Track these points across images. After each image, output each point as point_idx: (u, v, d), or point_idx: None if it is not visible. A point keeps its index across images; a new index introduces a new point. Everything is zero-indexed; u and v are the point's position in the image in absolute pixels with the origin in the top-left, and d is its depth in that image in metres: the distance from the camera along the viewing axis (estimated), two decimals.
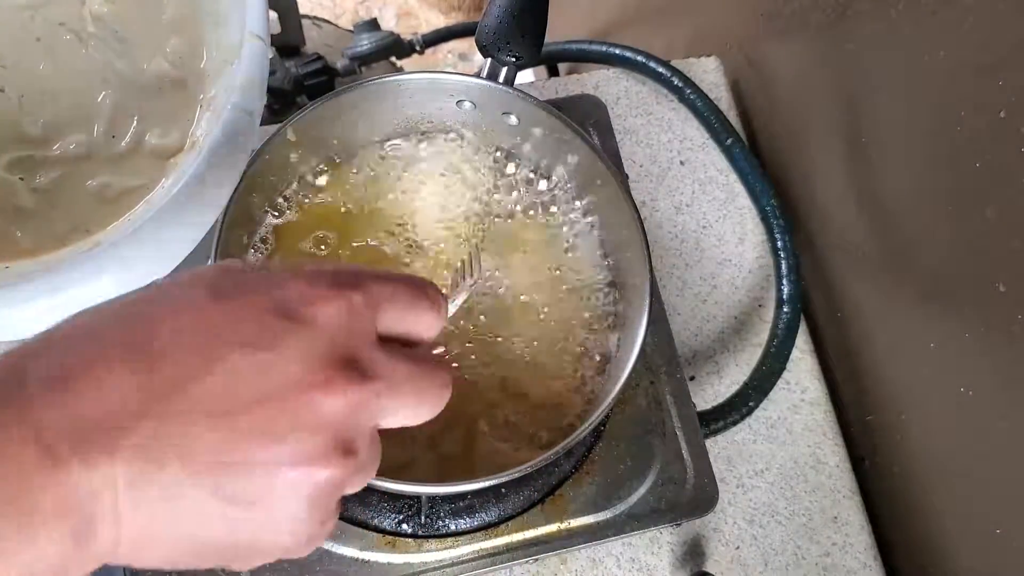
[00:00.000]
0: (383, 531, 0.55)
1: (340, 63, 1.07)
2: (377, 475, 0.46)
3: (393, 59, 1.14)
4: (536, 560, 0.58)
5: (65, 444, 0.24)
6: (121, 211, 0.47)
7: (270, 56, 0.47)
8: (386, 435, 0.32)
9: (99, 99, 0.50)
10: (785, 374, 0.65)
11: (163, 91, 0.50)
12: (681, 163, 0.72)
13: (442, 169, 0.61)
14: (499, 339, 0.57)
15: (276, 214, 0.58)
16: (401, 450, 0.53)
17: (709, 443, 0.61)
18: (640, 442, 0.58)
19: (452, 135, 0.61)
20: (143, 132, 0.49)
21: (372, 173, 0.60)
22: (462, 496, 0.56)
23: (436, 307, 0.33)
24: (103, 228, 0.46)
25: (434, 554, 0.55)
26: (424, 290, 0.33)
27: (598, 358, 0.57)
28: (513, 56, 0.55)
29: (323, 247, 0.58)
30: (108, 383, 0.25)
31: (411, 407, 0.31)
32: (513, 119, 0.58)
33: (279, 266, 0.32)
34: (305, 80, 1.02)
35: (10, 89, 0.49)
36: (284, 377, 0.27)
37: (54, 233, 0.47)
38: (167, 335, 0.26)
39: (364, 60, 1.07)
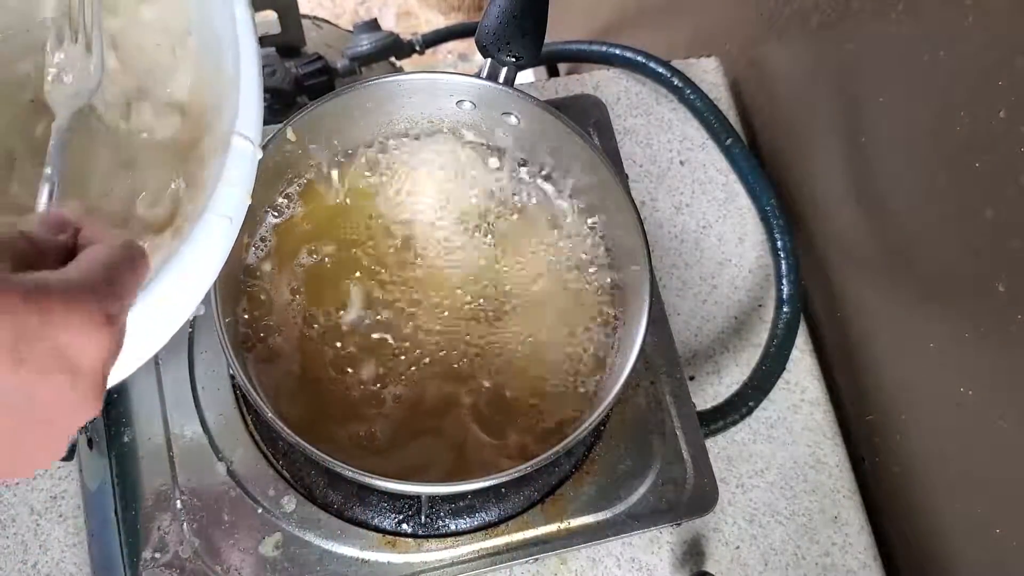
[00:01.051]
0: (383, 531, 0.55)
1: (340, 63, 1.07)
2: (378, 475, 0.47)
3: (393, 59, 1.14)
4: (536, 560, 0.58)
5: None
6: None
7: (260, 156, 0.45)
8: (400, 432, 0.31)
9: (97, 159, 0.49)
10: (785, 374, 0.65)
11: (163, 160, 0.49)
12: (681, 163, 0.72)
13: (442, 169, 0.61)
14: (499, 338, 0.57)
15: (276, 214, 0.58)
16: (417, 452, 0.53)
17: (709, 443, 0.61)
18: (640, 442, 0.58)
19: (452, 135, 0.61)
20: (134, 196, 0.48)
21: (372, 173, 0.60)
22: (462, 496, 0.56)
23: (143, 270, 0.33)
24: None
25: (434, 554, 0.55)
26: (144, 264, 0.33)
27: (598, 358, 0.57)
28: (513, 56, 0.55)
29: (323, 247, 0.58)
30: None
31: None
32: (513, 119, 0.58)
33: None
34: (305, 80, 1.02)
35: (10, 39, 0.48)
36: (44, 424, 0.28)
37: None
38: None
39: (364, 60, 1.07)
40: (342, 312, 0.56)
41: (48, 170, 0.41)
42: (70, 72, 0.44)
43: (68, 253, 0.32)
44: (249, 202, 0.44)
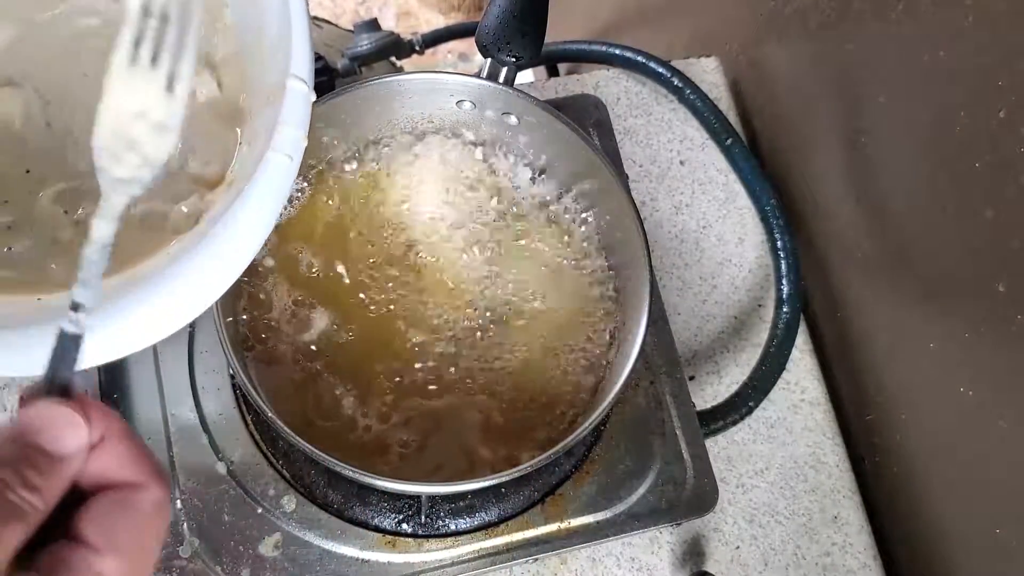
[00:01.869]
0: (383, 531, 0.55)
1: (340, 63, 1.07)
2: (378, 475, 0.47)
3: (393, 59, 1.14)
4: (536, 560, 0.58)
5: None
6: (158, 244, 0.47)
7: (314, 98, 0.47)
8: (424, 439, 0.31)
9: None
10: (785, 374, 0.65)
11: (207, 121, 0.50)
12: (681, 163, 0.72)
13: (442, 169, 0.61)
14: (499, 338, 0.57)
15: None
16: (417, 452, 0.53)
17: (709, 443, 0.61)
18: (640, 442, 0.58)
19: (452, 135, 0.61)
20: (186, 157, 0.49)
21: (372, 173, 0.60)
22: (462, 496, 0.56)
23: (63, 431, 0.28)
24: (137, 263, 0.46)
25: (434, 554, 0.55)
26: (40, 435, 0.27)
27: (597, 358, 0.57)
28: (513, 56, 0.55)
29: (323, 246, 0.58)
30: None
31: None
32: (513, 119, 0.58)
33: None
34: None
35: (56, 123, 0.48)
36: None
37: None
38: None
39: (364, 60, 1.07)
40: (340, 311, 0.56)
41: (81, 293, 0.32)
42: (129, 128, 0.32)
43: None
44: (306, 143, 0.46)
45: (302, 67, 0.45)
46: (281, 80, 0.45)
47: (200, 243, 0.42)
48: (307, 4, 0.46)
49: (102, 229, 0.32)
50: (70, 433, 0.27)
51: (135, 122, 0.31)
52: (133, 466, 0.29)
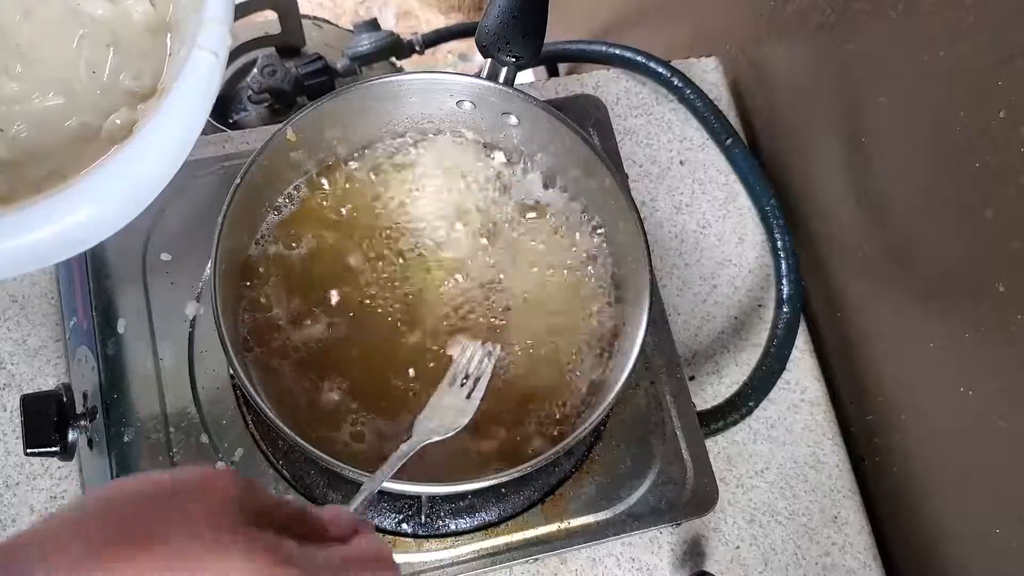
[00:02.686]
0: (383, 531, 0.55)
1: (340, 63, 1.07)
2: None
3: (393, 59, 1.14)
4: (536, 560, 0.58)
5: None
6: (95, 155, 0.48)
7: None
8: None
9: (76, 43, 0.51)
10: (785, 374, 0.65)
11: (139, 37, 0.51)
12: (681, 163, 0.72)
13: (442, 169, 0.61)
14: (499, 338, 0.57)
15: (276, 213, 0.58)
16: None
17: (709, 443, 0.61)
18: (640, 442, 0.58)
19: (452, 135, 0.61)
20: (119, 71, 0.50)
21: (372, 173, 0.60)
22: (462, 496, 0.56)
23: None
24: (77, 173, 0.47)
25: (434, 554, 0.55)
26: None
27: (598, 358, 0.57)
28: (513, 56, 0.55)
29: (323, 246, 0.58)
30: None
31: None
32: (513, 119, 0.58)
33: (286, 540, 0.32)
34: (305, 80, 1.02)
35: None
36: None
37: (29, 180, 0.48)
38: None
39: (364, 60, 1.07)
40: (341, 312, 0.56)
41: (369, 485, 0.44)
42: (445, 410, 0.51)
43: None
44: (230, 40, 0.47)
45: None
46: None
47: (129, 151, 0.44)
48: None
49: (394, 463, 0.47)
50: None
51: (447, 410, 0.51)
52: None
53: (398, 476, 0.47)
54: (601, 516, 0.56)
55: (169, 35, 0.51)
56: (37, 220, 0.44)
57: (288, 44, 1.07)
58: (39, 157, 0.49)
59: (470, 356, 0.54)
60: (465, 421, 0.50)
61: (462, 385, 0.52)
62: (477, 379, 0.53)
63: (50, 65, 0.50)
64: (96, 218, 0.45)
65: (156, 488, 0.30)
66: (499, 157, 0.61)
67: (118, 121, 0.50)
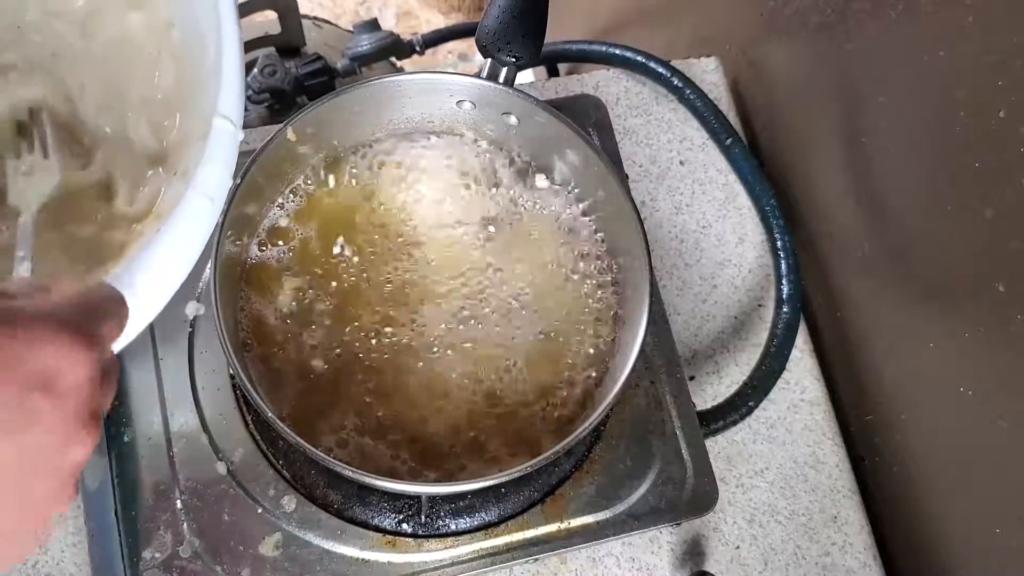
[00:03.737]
0: (383, 531, 0.55)
1: (340, 63, 1.07)
2: (378, 475, 0.47)
3: (393, 59, 1.14)
4: (536, 560, 0.58)
5: None
6: (87, 276, 0.48)
7: (241, 137, 0.46)
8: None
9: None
10: (785, 374, 0.65)
11: (136, 164, 0.50)
12: (681, 163, 0.72)
13: (442, 169, 0.61)
14: (499, 338, 0.57)
15: (276, 213, 0.58)
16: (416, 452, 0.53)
17: (709, 443, 0.61)
18: (640, 442, 0.58)
19: (452, 135, 0.61)
20: (112, 198, 0.50)
21: (372, 173, 0.60)
22: (462, 496, 0.56)
23: (126, 314, 0.36)
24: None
25: (434, 554, 0.55)
26: (123, 305, 0.35)
27: (598, 357, 0.57)
28: (513, 56, 0.55)
29: (324, 247, 0.58)
30: None
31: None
32: (513, 119, 0.58)
33: (12, 301, 0.31)
34: (305, 80, 1.02)
35: None
36: (43, 452, 0.29)
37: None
38: None
39: (364, 60, 1.07)
40: (339, 310, 0.56)
41: (21, 253, 0.43)
42: (33, 173, 0.48)
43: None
44: (231, 183, 0.45)
45: (230, 105, 0.45)
46: (210, 114, 0.45)
47: (119, 278, 0.42)
48: (239, 38, 0.45)
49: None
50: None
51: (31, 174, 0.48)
52: None
53: (398, 476, 0.47)
54: (601, 516, 0.56)
55: (173, 157, 0.50)
56: None
57: (288, 44, 1.07)
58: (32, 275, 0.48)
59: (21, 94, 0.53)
60: (56, 168, 0.48)
61: (31, 152, 0.49)
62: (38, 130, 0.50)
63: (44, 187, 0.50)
64: None
65: None
66: (499, 157, 0.61)
67: (107, 239, 0.49)
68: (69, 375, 0.29)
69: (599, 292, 0.58)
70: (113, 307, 0.35)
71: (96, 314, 0.32)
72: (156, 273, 0.43)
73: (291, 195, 0.58)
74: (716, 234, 0.70)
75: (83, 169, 0.52)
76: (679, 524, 0.61)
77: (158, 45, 0.51)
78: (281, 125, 0.54)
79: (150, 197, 0.50)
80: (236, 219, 0.52)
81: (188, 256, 0.44)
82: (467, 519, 0.56)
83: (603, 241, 0.59)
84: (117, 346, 0.37)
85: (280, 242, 0.57)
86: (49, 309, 0.31)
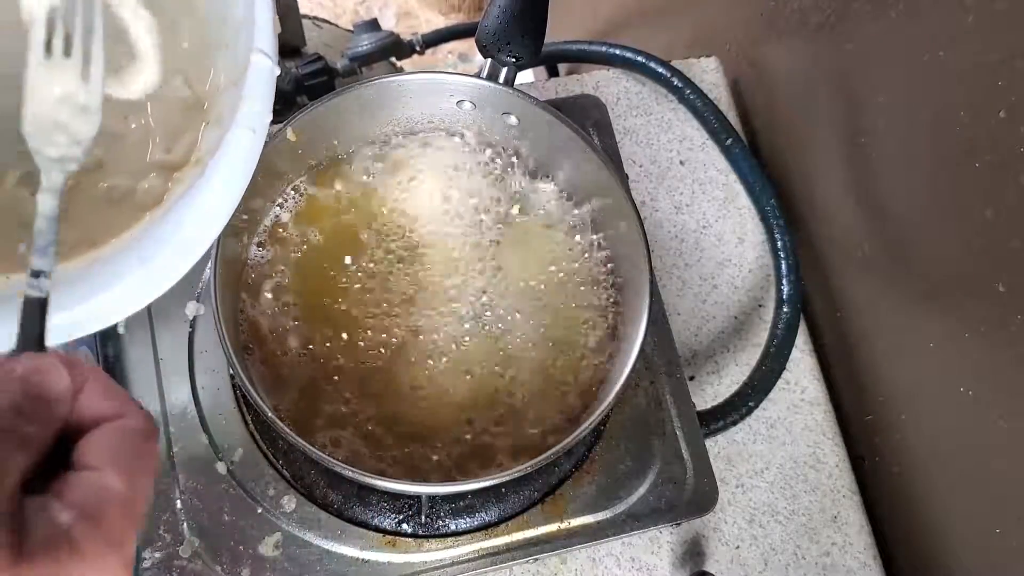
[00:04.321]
0: (383, 531, 0.55)
1: (340, 63, 1.07)
2: (378, 475, 0.47)
3: (393, 59, 1.14)
4: (536, 560, 0.58)
5: None
6: (124, 222, 0.48)
7: (278, 71, 0.47)
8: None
9: (108, 116, 0.50)
10: (785, 374, 0.65)
11: (172, 115, 0.51)
12: (681, 163, 0.72)
13: (442, 169, 0.61)
14: (499, 338, 0.57)
15: (276, 213, 0.58)
16: (416, 452, 0.53)
17: (709, 443, 0.61)
18: (640, 442, 0.58)
19: (452, 135, 0.61)
20: (149, 145, 0.50)
21: (372, 173, 0.60)
22: (462, 496, 0.56)
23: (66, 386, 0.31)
24: (107, 241, 0.46)
25: (434, 554, 0.55)
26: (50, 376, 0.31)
27: (598, 358, 0.57)
28: (513, 56, 0.55)
29: (323, 246, 0.58)
30: None
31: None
32: (513, 119, 0.58)
33: None
34: (305, 80, 1.02)
35: (4, 108, 0.49)
36: None
37: (62, 245, 0.47)
38: None
39: (364, 60, 1.07)
40: (339, 310, 0.56)
41: (41, 263, 0.35)
42: (58, 109, 0.35)
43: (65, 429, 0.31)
44: (270, 116, 0.46)
45: (265, 41, 0.46)
46: (245, 58, 0.45)
47: (165, 220, 0.43)
48: None
49: (46, 203, 0.35)
50: (55, 377, 0.30)
51: (60, 107, 0.35)
52: (114, 400, 0.32)
53: (398, 476, 0.47)
54: (601, 516, 0.56)
55: (205, 109, 0.50)
56: (59, 300, 0.39)
57: (288, 44, 1.07)
58: (70, 221, 0.47)
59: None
60: (95, 122, 0.35)
61: (66, 54, 0.34)
62: (84, 31, 0.34)
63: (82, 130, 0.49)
64: (118, 292, 0.42)
65: None
66: (499, 157, 0.61)
67: (146, 186, 0.49)
68: None
69: (599, 292, 0.58)
70: (147, 458, 0.31)
71: (127, 504, 0.30)
72: (204, 209, 0.44)
73: (291, 195, 0.58)
74: (716, 234, 0.70)
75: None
76: (679, 524, 0.61)
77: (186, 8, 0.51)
78: (281, 125, 0.54)
79: (188, 145, 0.50)
80: (236, 219, 0.52)
81: (235, 189, 0.45)
82: (467, 519, 0.56)
83: (603, 241, 0.59)
84: (155, 294, 0.38)
85: (280, 242, 0.57)
86: (85, 524, 0.28)
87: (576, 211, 0.60)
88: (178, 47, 0.50)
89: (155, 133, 0.50)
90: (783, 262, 0.67)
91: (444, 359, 0.56)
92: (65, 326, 0.41)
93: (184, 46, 0.51)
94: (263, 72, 0.45)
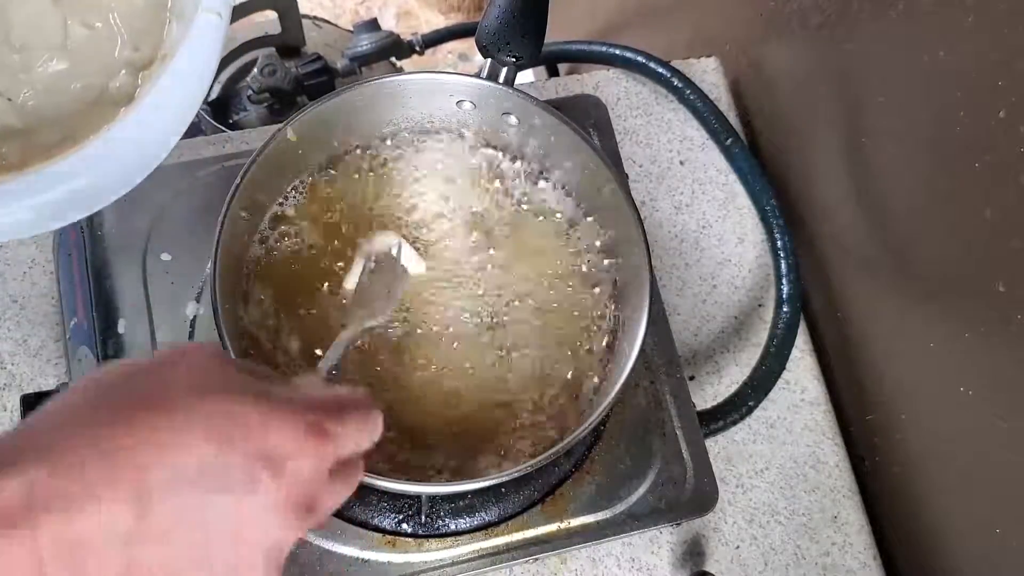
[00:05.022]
0: (383, 531, 0.55)
1: (340, 63, 1.07)
2: (378, 475, 0.47)
3: (393, 59, 1.14)
4: (536, 560, 0.58)
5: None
6: (102, 119, 0.50)
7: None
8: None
9: (74, 18, 0.52)
10: (785, 374, 0.65)
11: (135, 10, 0.52)
12: (681, 163, 0.72)
13: (442, 169, 0.61)
14: (498, 337, 0.57)
15: (276, 213, 0.58)
16: (417, 452, 0.53)
17: (709, 443, 0.61)
18: (640, 442, 0.58)
19: (452, 135, 0.61)
20: (117, 42, 0.52)
21: (372, 173, 0.60)
22: (462, 496, 0.56)
23: (376, 429, 0.37)
24: (87, 136, 0.49)
25: (434, 553, 0.55)
26: (374, 419, 0.37)
27: (598, 358, 0.57)
28: (513, 56, 0.55)
29: (323, 247, 0.58)
30: (96, 520, 0.27)
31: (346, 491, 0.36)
32: (513, 119, 0.58)
33: (268, 384, 0.34)
34: (305, 80, 1.02)
35: None
36: (252, 521, 0.30)
37: (41, 145, 0.49)
38: (156, 480, 0.28)
39: (364, 60, 1.07)
40: (340, 311, 0.56)
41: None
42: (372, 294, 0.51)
43: None
44: (234, 1, 0.48)
45: None
46: None
47: (139, 107, 0.45)
48: None
49: None
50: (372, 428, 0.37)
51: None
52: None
53: (398, 476, 0.47)
54: (601, 516, 0.56)
55: (169, 7, 0.52)
56: (45, 184, 0.45)
57: (288, 44, 1.07)
58: (48, 123, 0.50)
59: (377, 245, 0.55)
60: (393, 305, 0.52)
61: (373, 272, 0.53)
62: (395, 265, 0.53)
63: (49, 37, 0.52)
64: (103, 181, 0.46)
65: (140, 366, 0.32)
66: (499, 157, 0.61)
67: (118, 85, 0.51)
68: (294, 461, 0.31)
69: (599, 292, 0.58)
70: (362, 415, 0.36)
71: (340, 417, 0.34)
72: (175, 98, 0.47)
73: (291, 194, 0.58)
74: (716, 234, 0.70)
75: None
76: (679, 524, 0.61)
77: None
78: (281, 125, 0.54)
79: (154, 41, 0.52)
80: (236, 219, 0.52)
81: (203, 74, 0.47)
82: (467, 519, 0.56)
83: (603, 241, 0.59)
84: (147, 168, 0.43)
85: (280, 241, 0.57)
86: (295, 399, 0.33)
87: (576, 211, 0.60)
88: None
89: (121, 31, 0.52)
90: (783, 262, 0.67)
91: (444, 359, 0.56)
92: (42, 210, 0.45)
93: None
94: None
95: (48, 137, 0.50)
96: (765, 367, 0.64)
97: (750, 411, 0.63)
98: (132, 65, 0.52)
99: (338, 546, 0.54)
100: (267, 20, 1.05)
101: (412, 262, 0.56)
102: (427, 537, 0.55)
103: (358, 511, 0.55)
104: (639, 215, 0.54)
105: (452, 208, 0.60)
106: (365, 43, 1.07)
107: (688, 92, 0.72)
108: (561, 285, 0.58)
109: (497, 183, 0.61)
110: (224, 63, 1.06)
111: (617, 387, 0.50)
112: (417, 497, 0.55)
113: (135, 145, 0.47)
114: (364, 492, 0.55)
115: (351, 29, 1.14)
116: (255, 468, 0.30)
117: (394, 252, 0.55)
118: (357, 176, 0.60)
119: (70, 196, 0.46)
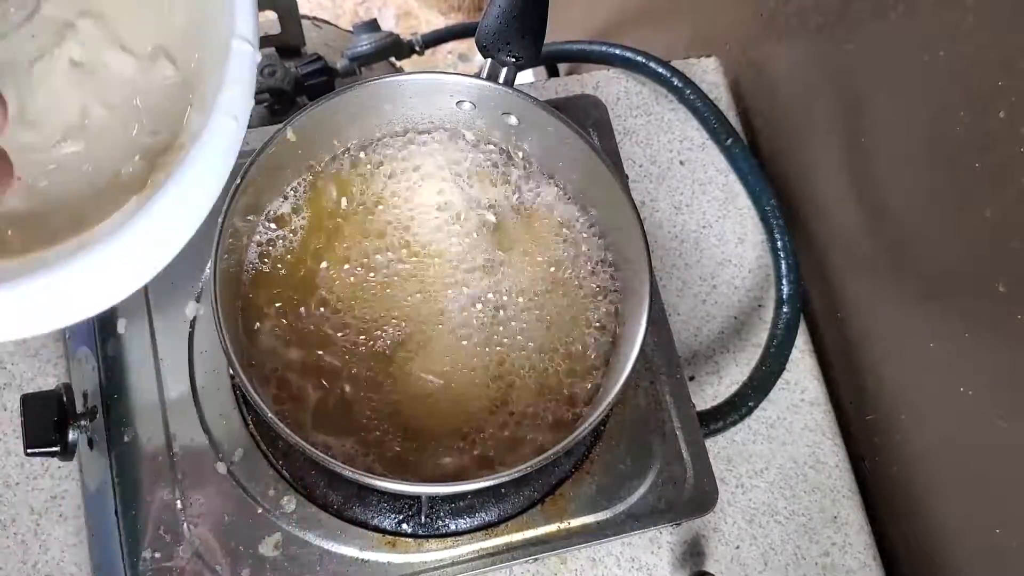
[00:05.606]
0: (383, 531, 0.55)
1: (340, 63, 1.07)
2: (378, 475, 0.47)
3: (393, 59, 1.14)
4: (536, 560, 0.58)
5: None
6: (110, 206, 0.48)
7: (259, 58, 0.47)
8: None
9: (93, 96, 0.50)
10: (785, 374, 0.65)
11: (156, 93, 0.51)
12: (681, 163, 0.72)
13: (442, 169, 0.61)
14: (498, 338, 0.57)
15: (276, 213, 0.58)
16: (416, 452, 0.53)
17: (709, 443, 0.61)
18: (640, 442, 0.58)
19: (452, 135, 0.61)
20: (135, 125, 0.50)
21: (372, 173, 0.60)
22: (462, 496, 0.56)
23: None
24: (90, 226, 0.47)
25: (434, 554, 0.55)
26: None
27: (597, 358, 0.57)
28: (513, 56, 0.55)
29: (322, 247, 0.58)
30: None
31: None
32: (513, 119, 0.58)
33: None
34: (305, 80, 1.02)
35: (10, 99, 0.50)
36: None
37: (46, 230, 0.47)
38: None
39: (364, 60, 1.07)
40: (339, 311, 0.56)
41: None
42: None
43: None
44: (252, 103, 0.46)
45: (246, 27, 0.46)
46: (227, 43, 0.45)
47: (147, 208, 0.44)
48: None
49: None
50: None
51: None
52: None
53: (398, 477, 0.47)
54: (601, 516, 0.56)
55: (190, 92, 0.51)
56: (48, 283, 0.41)
57: (288, 44, 1.07)
58: (56, 207, 0.49)
59: None
60: None
61: None
62: None
63: (66, 116, 0.50)
64: (106, 281, 0.43)
65: None
66: (499, 158, 0.61)
67: (131, 170, 0.49)
68: None
69: (599, 292, 0.58)
70: None
71: None
72: (186, 199, 0.45)
73: (290, 196, 0.58)
74: (716, 234, 0.70)
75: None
76: (679, 524, 0.61)
77: None
78: (281, 125, 0.54)
79: (173, 128, 0.51)
80: (236, 218, 0.52)
81: (217, 178, 0.45)
82: (467, 519, 0.56)
83: (603, 241, 0.59)
84: (138, 283, 0.41)
85: (280, 241, 0.57)
86: None
87: (575, 211, 0.60)
88: (173, 22, 0.51)
89: (141, 115, 0.50)
90: (783, 262, 0.67)
91: (444, 359, 0.56)
92: (44, 314, 0.42)
93: (177, 22, 0.51)
94: (244, 58, 0.46)
95: (52, 219, 0.48)
96: (765, 367, 0.64)
97: (750, 411, 0.63)
98: (148, 151, 0.50)
99: (338, 546, 0.54)
100: (267, 20, 1.05)
101: None
102: (427, 537, 0.55)
103: (358, 511, 0.55)
104: (639, 215, 0.54)
105: (451, 208, 0.60)
106: (365, 43, 1.07)
107: (688, 92, 0.72)
108: (561, 285, 0.58)
109: (497, 183, 0.61)
110: None
111: (617, 387, 0.50)
112: (417, 497, 0.55)
113: (139, 242, 0.44)
114: (364, 493, 0.55)
115: (351, 29, 1.14)
116: None
117: None
118: (356, 177, 0.60)
119: (65, 297, 0.42)
